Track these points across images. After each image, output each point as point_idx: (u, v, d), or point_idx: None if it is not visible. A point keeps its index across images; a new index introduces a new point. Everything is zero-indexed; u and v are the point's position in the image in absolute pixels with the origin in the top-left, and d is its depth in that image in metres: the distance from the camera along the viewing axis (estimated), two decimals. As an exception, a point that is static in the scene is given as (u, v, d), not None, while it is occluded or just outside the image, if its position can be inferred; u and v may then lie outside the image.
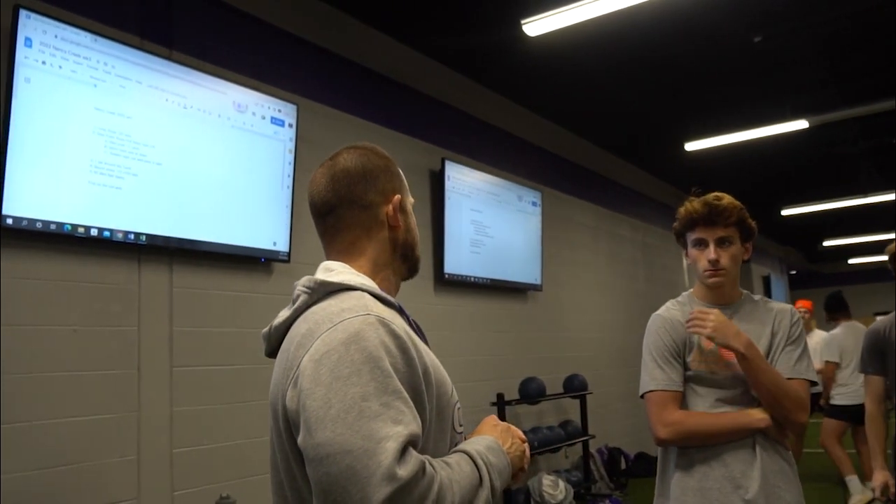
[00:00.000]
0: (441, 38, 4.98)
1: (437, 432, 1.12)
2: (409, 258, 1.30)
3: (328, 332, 1.05)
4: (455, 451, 1.12)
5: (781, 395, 1.88)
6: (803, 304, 6.76)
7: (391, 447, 0.94)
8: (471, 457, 1.09)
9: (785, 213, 10.36)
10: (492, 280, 5.52)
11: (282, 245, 3.75)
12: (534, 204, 6.13)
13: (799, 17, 4.93)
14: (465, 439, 1.19)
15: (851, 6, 4.82)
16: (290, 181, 3.80)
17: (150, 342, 3.21)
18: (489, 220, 5.54)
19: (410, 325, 1.20)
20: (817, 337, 6.47)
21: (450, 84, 5.45)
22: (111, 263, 3.10)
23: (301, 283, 1.18)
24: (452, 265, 5.09)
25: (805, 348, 1.99)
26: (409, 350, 1.06)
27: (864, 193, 9.46)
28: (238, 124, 3.58)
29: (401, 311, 1.20)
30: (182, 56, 3.43)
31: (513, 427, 1.25)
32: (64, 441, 2.85)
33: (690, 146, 6.96)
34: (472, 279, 5.31)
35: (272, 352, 1.22)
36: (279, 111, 3.79)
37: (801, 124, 6.19)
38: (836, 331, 6.02)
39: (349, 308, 1.08)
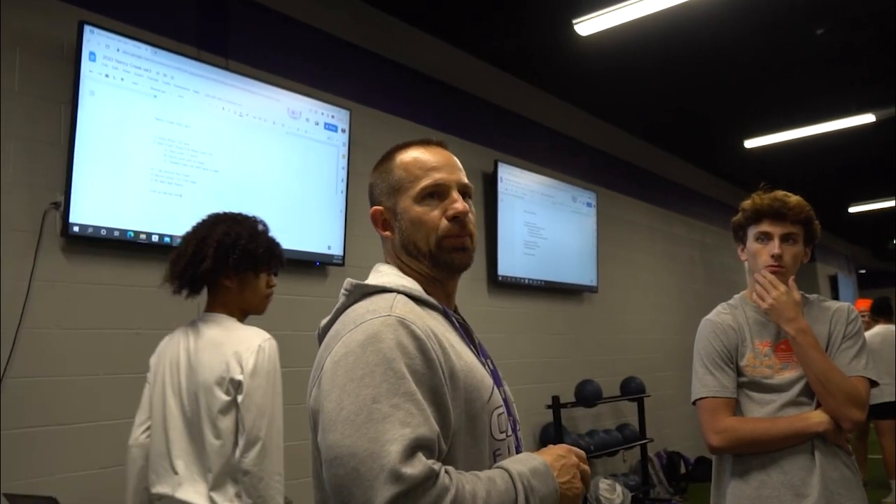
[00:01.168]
0: (492, 40, 4.98)
1: (469, 438, 1.09)
2: (417, 254, 1.22)
3: (349, 333, 1.07)
4: (495, 467, 1.07)
5: (833, 385, 1.80)
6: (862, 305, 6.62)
7: (394, 450, 0.93)
8: (510, 475, 1.04)
9: (852, 210, 10.01)
10: (546, 282, 5.48)
11: (336, 249, 3.81)
12: (588, 205, 6.06)
13: (863, 6, 4.75)
14: (504, 450, 1.15)
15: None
16: (343, 186, 3.85)
17: (210, 345, 3.29)
18: (543, 222, 5.51)
19: (456, 327, 1.19)
20: None
21: (502, 86, 5.44)
22: (172, 268, 3.19)
23: (343, 286, 1.21)
24: (506, 267, 5.08)
25: (863, 346, 1.91)
26: (430, 351, 1.04)
27: (937, 188, 9.08)
28: (292, 130, 3.64)
29: (445, 313, 1.19)
30: (238, 65, 3.52)
31: (582, 464, 1.14)
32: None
33: (750, 143, 6.79)
34: (527, 281, 5.28)
35: None
36: (332, 117, 3.84)
37: (868, 118, 5.98)
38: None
39: (374, 309, 1.09)
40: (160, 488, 1.93)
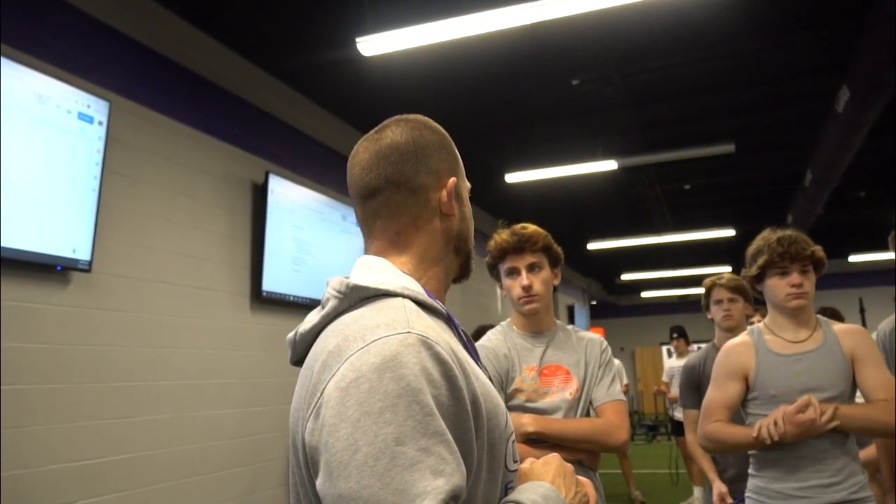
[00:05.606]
0: (272, 48, 4.84)
1: (488, 472, 0.93)
2: (461, 251, 1.13)
3: (359, 353, 0.87)
4: (505, 501, 0.93)
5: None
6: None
7: None
8: None
9: (590, 247, 11.08)
10: (312, 300, 5.37)
11: (83, 253, 3.40)
12: (357, 224, 6.06)
13: (615, 66, 5.32)
14: (515, 482, 1.01)
15: (662, 60, 5.28)
16: (96, 184, 3.47)
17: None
18: (311, 238, 5.41)
19: (460, 337, 1.02)
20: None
21: (278, 96, 5.29)
22: None
23: (331, 286, 1.02)
24: (271, 283, 4.90)
25: (615, 373, 2.11)
26: (457, 379, 0.87)
27: (658, 233, 10.38)
28: (38, 116, 3.22)
29: (449, 319, 1.02)
30: (-26, 34, 3.04)
31: (578, 477, 1.05)
32: None
33: (510, 177, 7.25)
34: (292, 298, 5.14)
35: (298, 361, 1.07)
36: (88, 107, 3.46)
37: (611, 165, 6.64)
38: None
39: (386, 323, 0.90)
40: None
